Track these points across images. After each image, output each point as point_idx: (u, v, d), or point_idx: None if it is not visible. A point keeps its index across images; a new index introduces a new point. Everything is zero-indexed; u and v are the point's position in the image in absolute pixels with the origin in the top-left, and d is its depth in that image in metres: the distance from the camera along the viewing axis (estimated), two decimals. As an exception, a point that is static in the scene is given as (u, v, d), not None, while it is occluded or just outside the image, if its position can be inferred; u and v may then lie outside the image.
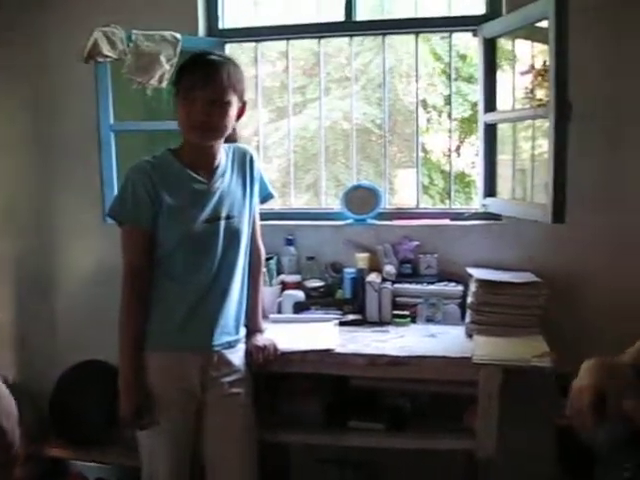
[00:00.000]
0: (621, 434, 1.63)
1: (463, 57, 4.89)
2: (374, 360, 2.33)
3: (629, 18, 2.59)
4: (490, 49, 2.74)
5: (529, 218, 2.59)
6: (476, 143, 5.50)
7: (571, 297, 2.72)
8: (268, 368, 2.32)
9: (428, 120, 5.63)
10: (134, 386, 2.08)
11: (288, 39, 3.07)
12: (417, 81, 3.19)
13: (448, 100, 4.83)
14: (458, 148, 5.67)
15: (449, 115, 3.45)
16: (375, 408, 2.52)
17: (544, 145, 2.50)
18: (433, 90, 5.33)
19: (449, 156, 4.03)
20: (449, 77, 3.59)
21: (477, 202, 3.01)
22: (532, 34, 2.52)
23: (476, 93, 2.83)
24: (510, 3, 2.65)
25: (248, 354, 2.27)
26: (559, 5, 2.19)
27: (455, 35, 3.10)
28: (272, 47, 3.85)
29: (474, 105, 4.79)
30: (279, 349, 2.33)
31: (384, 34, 3.00)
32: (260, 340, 2.31)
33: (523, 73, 2.50)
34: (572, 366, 2.12)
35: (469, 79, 4.91)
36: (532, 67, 2.38)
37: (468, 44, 4.41)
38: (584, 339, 2.62)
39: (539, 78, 2.31)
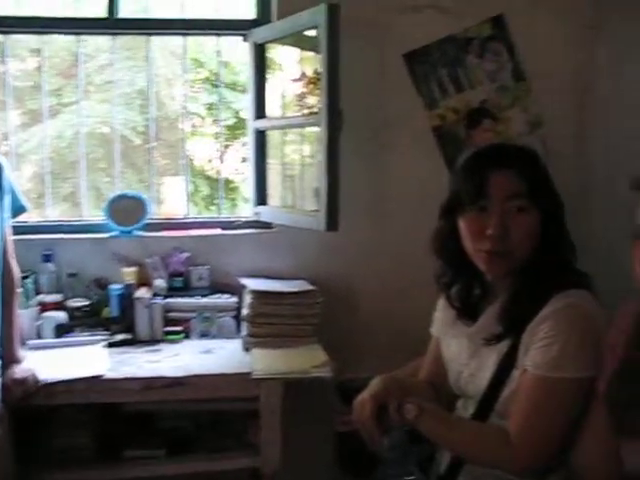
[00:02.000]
0: (403, 438, 1.66)
1: (227, 64, 4.84)
2: (149, 383, 2.17)
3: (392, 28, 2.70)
4: (260, 55, 2.69)
5: (302, 226, 2.58)
6: (240, 150, 5.49)
7: (346, 304, 2.76)
8: (29, 402, 2.07)
9: (192, 126, 5.51)
10: None
11: (41, 33, 2.79)
12: (184, 84, 3.07)
13: (211, 107, 4.74)
14: (222, 155, 5.63)
15: (215, 121, 3.37)
16: (153, 434, 2.37)
17: (313, 152, 2.52)
18: (198, 96, 5.24)
19: (212, 162, 3.94)
20: (212, 84, 3.51)
21: (247, 210, 2.97)
22: (303, 42, 2.52)
23: (240, 100, 2.77)
24: (281, 9, 2.63)
25: (4, 389, 2.00)
26: (330, 15, 2.20)
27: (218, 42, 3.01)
28: (22, 42, 3.51)
29: (237, 112, 4.76)
30: (40, 380, 2.09)
31: (149, 34, 2.84)
32: (18, 372, 2.06)
33: (294, 80, 2.48)
34: (352, 373, 2.15)
35: (233, 86, 4.88)
36: (304, 74, 2.37)
37: (232, 51, 4.36)
38: (360, 346, 2.68)
39: (311, 86, 2.31)
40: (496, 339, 1.63)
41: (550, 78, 2.78)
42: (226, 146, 5.63)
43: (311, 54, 2.47)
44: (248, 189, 2.94)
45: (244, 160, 5.04)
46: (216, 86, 4.61)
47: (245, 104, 3.00)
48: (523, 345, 1.59)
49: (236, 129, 5.31)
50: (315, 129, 2.61)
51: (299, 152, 2.72)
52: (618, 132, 2.66)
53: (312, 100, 2.34)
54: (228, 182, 5.54)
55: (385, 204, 2.79)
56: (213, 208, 5.18)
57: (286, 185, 2.79)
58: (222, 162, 5.63)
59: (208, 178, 5.48)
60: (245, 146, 5.24)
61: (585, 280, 1.66)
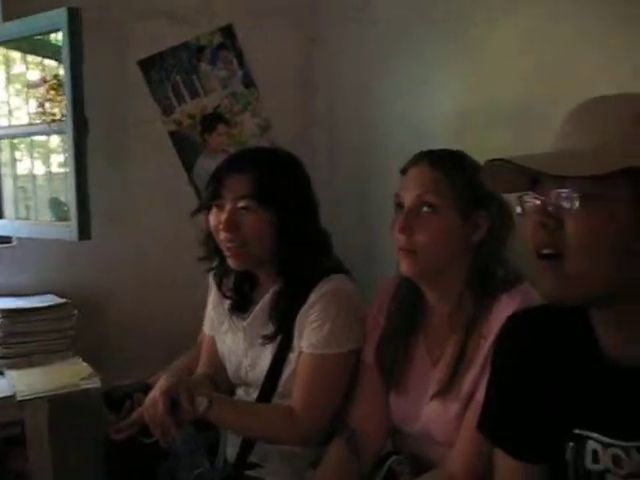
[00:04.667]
0: (193, 430, 1.73)
1: None
2: None
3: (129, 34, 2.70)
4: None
5: (50, 237, 2.48)
6: None
7: (97, 313, 2.68)
8: None
9: None
10: None
11: None
12: None
13: None
14: None
15: None
16: None
17: (50, 161, 2.52)
18: None
19: None
20: None
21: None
22: (39, 45, 2.40)
23: None
24: (6, 11, 2.46)
25: None
26: (71, 19, 2.14)
27: None
28: None
29: None
30: None
31: None
32: None
33: (31, 86, 2.38)
34: (116, 380, 2.15)
35: None
36: (44, 80, 2.28)
37: None
38: (115, 353, 2.64)
39: (52, 92, 2.23)
40: (271, 338, 1.80)
41: (276, 84, 2.97)
42: None
43: (48, 59, 2.39)
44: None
45: None
46: None
47: None
48: (297, 330, 1.76)
49: None
50: (54, 138, 2.55)
51: (36, 161, 2.60)
52: (337, 127, 2.95)
53: (54, 107, 2.27)
54: None
55: (129, 209, 2.76)
56: None
57: (22, 196, 2.65)
58: None
59: None
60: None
61: (340, 265, 1.88)
